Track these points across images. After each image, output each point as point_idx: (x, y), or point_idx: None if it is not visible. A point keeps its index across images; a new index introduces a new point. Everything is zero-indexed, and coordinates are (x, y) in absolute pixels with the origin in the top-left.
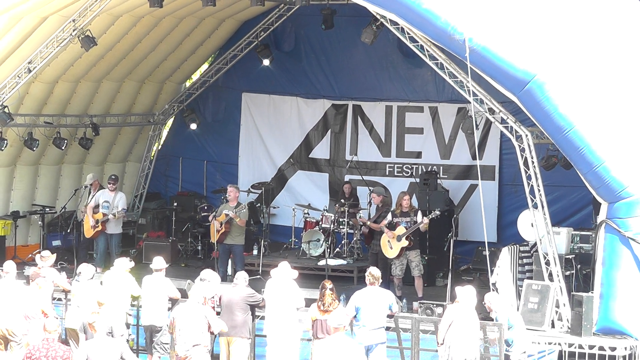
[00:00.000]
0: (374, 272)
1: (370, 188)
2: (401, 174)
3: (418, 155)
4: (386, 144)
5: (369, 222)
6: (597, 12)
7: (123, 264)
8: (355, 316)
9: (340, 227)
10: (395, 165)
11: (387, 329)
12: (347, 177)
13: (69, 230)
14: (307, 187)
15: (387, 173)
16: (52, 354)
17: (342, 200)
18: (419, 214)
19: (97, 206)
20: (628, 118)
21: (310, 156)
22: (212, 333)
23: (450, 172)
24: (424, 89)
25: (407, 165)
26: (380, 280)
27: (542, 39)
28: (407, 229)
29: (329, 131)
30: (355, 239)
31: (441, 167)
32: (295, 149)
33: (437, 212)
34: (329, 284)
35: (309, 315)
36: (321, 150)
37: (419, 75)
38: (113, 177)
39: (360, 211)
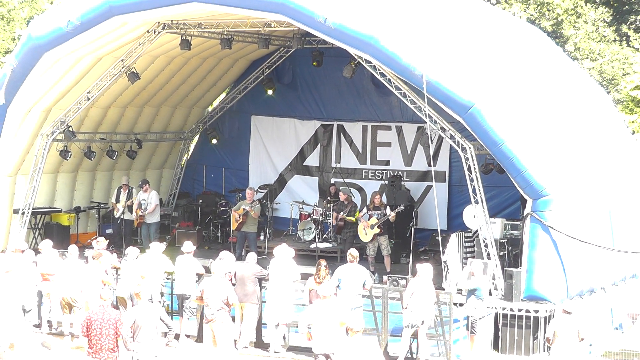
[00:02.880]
0: (353, 252)
1: (348, 188)
2: (374, 177)
3: (387, 163)
4: (362, 154)
5: (345, 216)
6: (522, 54)
7: (158, 247)
8: (338, 286)
9: (327, 218)
10: (370, 171)
11: (363, 296)
12: (332, 180)
13: (118, 221)
14: (302, 188)
15: (363, 177)
16: (107, 316)
17: (329, 198)
18: (388, 208)
19: (139, 204)
20: (546, 137)
21: (304, 164)
22: (227, 304)
23: (412, 175)
24: (391, 112)
25: (378, 171)
26: (358, 259)
27: (480, 77)
28: (378, 219)
29: (319, 145)
30: (329, 229)
31: (405, 172)
32: (293, 159)
33: (402, 207)
34: (323, 262)
35: (307, 286)
36: (313, 159)
37: (387, 101)
38: (142, 181)
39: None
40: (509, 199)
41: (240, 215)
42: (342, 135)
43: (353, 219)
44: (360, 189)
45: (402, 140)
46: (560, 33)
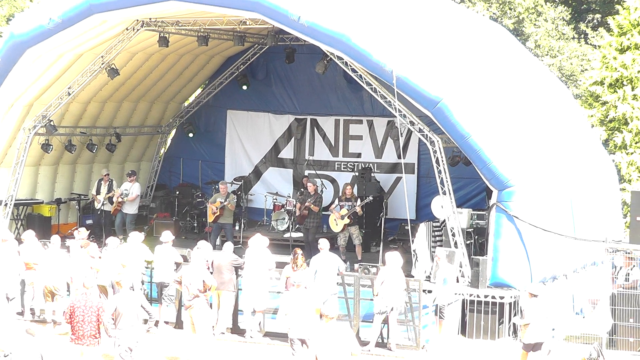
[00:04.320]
0: (323, 242)
1: (320, 180)
2: (346, 169)
3: (358, 155)
4: (335, 147)
5: (311, 205)
6: (486, 51)
7: (137, 237)
8: (314, 275)
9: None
10: (342, 163)
11: (337, 283)
12: (306, 172)
13: (98, 212)
14: (277, 180)
15: (335, 168)
16: (90, 304)
17: (302, 190)
18: (359, 200)
19: (121, 194)
20: (510, 130)
21: (278, 157)
22: (203, 291)
23: (382, 167)
24: (363, 107)
25: (350, 163)
26: (328, 247)
27: (448, 73)
28: (348, 210)
29: (293, 138)
30: (292, 218)
31: (375, 164)
32: (268, 151)
33: (370, 198)
34: (299, 250)
35: (283, 273)
36: (287, 152)
37: (359, 96)
38: (130, 172)
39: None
40: (475, 189)
41: (217, 208)
42: (315, 129)
43: (317, 208)
44: (333, 181)
45: (373, 134)
46: (521, 31)
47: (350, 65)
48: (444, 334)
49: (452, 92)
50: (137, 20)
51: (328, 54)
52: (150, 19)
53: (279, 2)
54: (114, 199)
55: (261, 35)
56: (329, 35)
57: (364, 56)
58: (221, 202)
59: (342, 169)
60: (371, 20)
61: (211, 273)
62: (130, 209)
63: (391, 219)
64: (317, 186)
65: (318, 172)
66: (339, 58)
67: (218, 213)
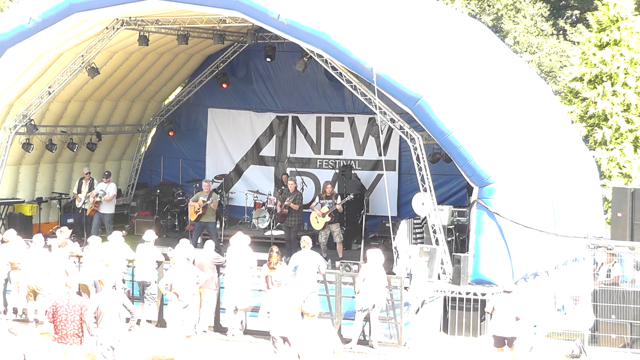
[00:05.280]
0: (306, 239)
1: (301, 177)
2: (328, 167)
3: (340, 152)
4: (317, 144)
5: (290, 204)
6: (466, 48)
7: (118, 236)
8: (294, 271)
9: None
10: (324, 160)
11: (318, 281)
12: (288, 170)
13: (80, 211)
14: (258, 178)
15: (317, 166)
16: (72, 303)
17: (282, 187)
18: (339, 197)
19: (97, 194)
20: (491, 127)
21: (260, 154)
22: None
23: (364, 165)
24: (344, 104)
25: (332, 160)
26: (311, 244)
27: (428, 71)
28: (329, 208)
29: (274, 136)
30: (273, 216)
31: (357, 162)
32: (249, 149)
33: (351, 196)
34: (275, 248)
35: (262, 272)
36: (268, 150)
37: (340, 94)
38: (107, 172)
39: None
40: (455, 186)
41: (200, 207)
42: (296, 126)
43: (297, 206)
44: (314, 178)
45: (355, 131)
46: (500, 27)
47: (330, 63)
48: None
49: (432, 89)
50: (117, 19)
51: (308, 51)
52: (130, 17)
53: (258, 1)
54: (90, 200)
55: (241, 33)
56: (308, 33)
57: (344, 54)
58: (204, 201)
59: (324, 167)
60: (351, 18)
61: None
62: (108, 209)
63: (373, 216)
64: (297, 184)
65: (299, 169)
66: (319, 56)
67: (201, 212)
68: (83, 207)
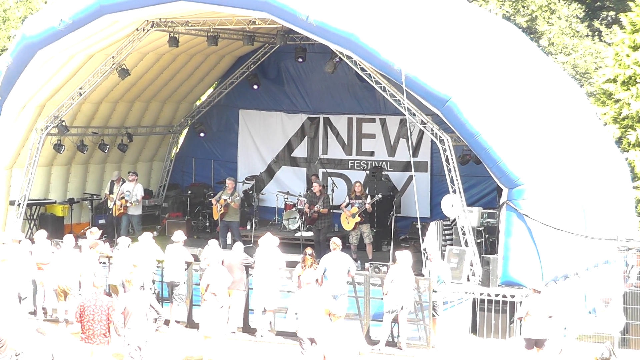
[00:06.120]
0: (336, 240)
1: (331, 179)
2: (359, 168)
3: (371, 153)
4: (348, 145)
5: (320, 209)
6: (497, 49)
7: (148, 237)
8: (324, 274)
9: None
10: (355, 162)
11: (347, 283)
12: (320, 172)
13: (112, 212)
14: (290, 179)
15: (349, 167)
16: (100, 303)
17: (307, 190)
18: (369, 197)
19: (123, 193)
20: (520, 129)
21: (292, 155)
22: None
23: (396, 166)
24: (375, 105)
25: (363, 161)
26: (341, 247)
27: (457, 71)
28: (359, 208)
29: (306, 137)
30: (303, 220)
31: (388, 163)
32: (280, 150)
33: (380, 196)
34: (309, 250)
35: (295, 273)
36: (300, 151)
37: (372, 94)
38: (132, 172)
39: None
40: (486, 188)
41: (222, 206)
42: (328, 128)
43: (326, 210)
44: (346, 179)
45: (386, 132)
46: (534, 29)
47: (359, 64)
48: (438, 332)
49: (461, 90)
50: (147, 20)
51: (337, 53)
52: (160, 19)
53: (287, 2)
54: (116, 198)
55: (271, 34)
56: (337, 34)
57: (373, 55)
58: (225, 200)
59: (356, 167)
60: (379, 19)
61: None
62: (136, 211)
63: (404, 218)
64: (322, 186)
65: (331, 170)
66: (348, 57)
67: (223, 211)
68: (110, 207)
